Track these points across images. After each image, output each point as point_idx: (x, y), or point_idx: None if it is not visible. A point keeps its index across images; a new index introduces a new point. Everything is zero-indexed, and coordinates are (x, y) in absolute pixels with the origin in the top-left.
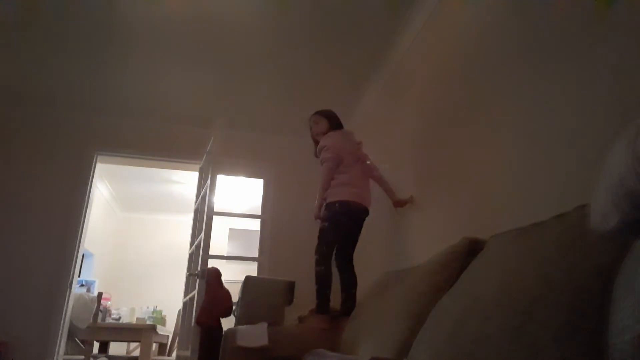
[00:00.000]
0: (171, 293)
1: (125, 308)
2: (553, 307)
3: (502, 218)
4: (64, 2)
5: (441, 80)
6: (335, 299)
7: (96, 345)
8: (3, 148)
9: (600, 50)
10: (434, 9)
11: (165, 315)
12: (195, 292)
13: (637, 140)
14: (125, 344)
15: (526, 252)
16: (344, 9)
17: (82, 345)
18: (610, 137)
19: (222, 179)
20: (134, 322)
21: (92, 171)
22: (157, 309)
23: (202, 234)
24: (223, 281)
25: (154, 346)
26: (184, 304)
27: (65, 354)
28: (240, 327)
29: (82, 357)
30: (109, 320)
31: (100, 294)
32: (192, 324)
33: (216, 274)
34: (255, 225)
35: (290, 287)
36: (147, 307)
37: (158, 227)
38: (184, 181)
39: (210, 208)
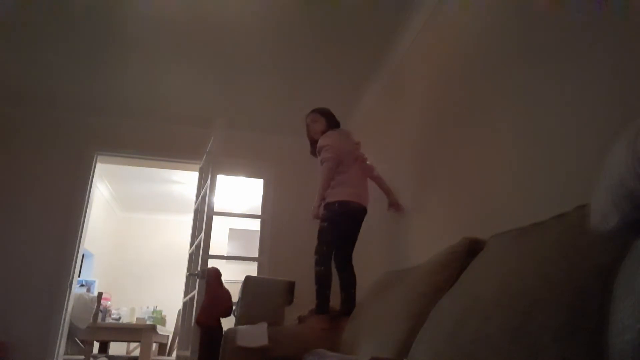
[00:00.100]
0: (171, 293)
1: (125, 308)
2: (553, 307)
3: (502, 218)
4: (64, 2)
5: (441, 80)
6: (335, 299)
7: (96, 345)
8: (3, 148)
9: (600, 50)
10: (434, 9)
11: (165, 315)
12: (195, 292)
13: (637, 140)
14: (125, 344)
15: (526, 252)
16: (344, 9)
17: (82, 345)
18: (610, 137)
19: (222, 179)
20: (134, 322)
21: (92, 171)
22: (157, 309)
23: (202, 234)
24: (223, 281)
25: (154, 346)
26: (184, 304)
27: (65, 354)
28: (240, 327)
29: (82, 357)
30: (109, 320)
31: (100, 294)
32: (192, 324)
33: (216, 274)
34: (255, 225)
35: (290, 287)
36: (147, 307)
37: (158, 227)
38: (184, 181)
39: (210, 208)
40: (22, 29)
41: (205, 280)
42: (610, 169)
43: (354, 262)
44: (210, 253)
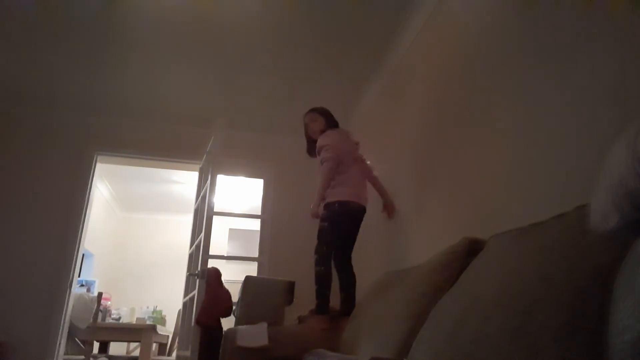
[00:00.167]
0: (171, 293)
1: (125, 308)
2: (553, 307)
3: (502, 218)
4: (64, 2)
5: (441, 81)
6: (334, 299)
7: (96, 345)
8: (3, 148)
9: (600, 50)
10: (433, 9)
11: (165, 315)
12: (195, 292)
13: (637, 140)
14: (125, 344)
15: (526, 252)
16: (344, 9)
17: (82, 345)
18: (610, 137)
19: (222, 179)
20: (134, 322)
21: (92, 171)
22: (157, 309)
23: (202, 234)
24: (223, 281)
25: (154, 346)
26: (184, 304)
27: (65, 354)
28: (240, 327)
29: (82, 357)
30: (109, 320)
31: (100, 294)
32: (192, 324)
33: (216, 274)
34: (255, 225)
35: (290, 287)
36: (147, 307)
37: (158, 227)
38: (184, 181)
39: (210, 208)
40: (22, 29)
41: (205, 280)
42: (610, 169)
43: (353, 262)
44: (210, 253)
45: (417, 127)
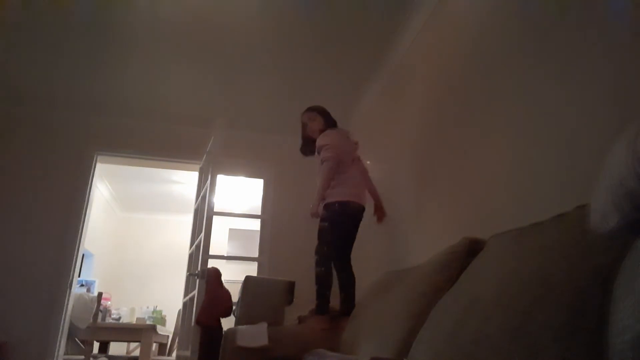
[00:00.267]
0: (171, 293)
1: (125, 308)
2: (553, 307)
3: (502, 218)
4: (64, 2)
5: (441, 81)
6: (334, 299)
7: (96, 345)
8: (3, 148)
9: (600, 50)
10: (434, 9)
11: (165, 315)
12: (195, 292)
13: (637, 141)
14: (125, 344)
15: (526, 252)
16: (344, 9)
17: (82, 345)
18: (610, 137)
19: (222, 179)
20: (134, 322)
21: (92, 171)
22: (157, 309)
23: (202, 234)
24: (223, 281)
25: (154, 346)
26: (184, 304)
27: (65, 354)
28: (240, 327)
29: (82, 357)
30: (109, 320)
31: (100, 294)
32: (192, 324)
33: (216, 274)
34: (255, 225)
35: (290, 287)
36: (147, 307)
37: (158, 227)
38: (184, 181)
39: (210, 208)
40: (23, 29)
41: (205, 280)
42: (610, 169)
43: (353, 262)
44: (210, 253)
45: (417, 127)
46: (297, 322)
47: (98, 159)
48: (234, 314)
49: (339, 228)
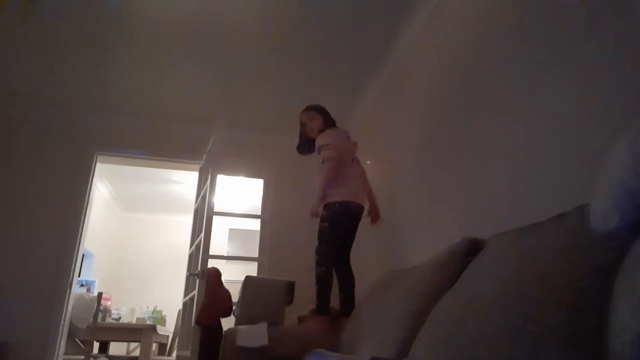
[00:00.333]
0: (171, 293)
1: (125, 308)
2: (553, 307)
3: (502, 218)
4: (64, 2)
5: (441, 80)
6: (334, 299)
7: (96, 345)
8: (3, 148)
9: (601, 50)
10: (434, 9)
11: (165, 315)
12: (195, 292)
13: (637, 141)
14: (125, 344)
15: (526, 252)
16: (344, 9)
17: (82, 345)
18: (610, 137)
19: (222, 179)
20: (134, 322)
21: (92, 171)
22: (157, 309)
23: (202, 234)
24: (223, 281)
25: (154, 346)
26: (184, 304)
27: (65, 354)
28: (240, 327)
29: (82, 357)
30: (109, 320)
31: (100, 294)
32: (192, 324)
33: (216, 274)
34: (255, 225)
35: (290, 287)
36: (147, 307)
37: (158, 227)
38: (184, 181)
39: (210, 208)
40: (22, 29)
41: (205, 280)
42: (610, 169)
43: (353, 262)
44: (210, 253)
45: (417, 127)
46: (297, 322)
47: (98, 159)
48: (234, 314)
49: (339, 228)
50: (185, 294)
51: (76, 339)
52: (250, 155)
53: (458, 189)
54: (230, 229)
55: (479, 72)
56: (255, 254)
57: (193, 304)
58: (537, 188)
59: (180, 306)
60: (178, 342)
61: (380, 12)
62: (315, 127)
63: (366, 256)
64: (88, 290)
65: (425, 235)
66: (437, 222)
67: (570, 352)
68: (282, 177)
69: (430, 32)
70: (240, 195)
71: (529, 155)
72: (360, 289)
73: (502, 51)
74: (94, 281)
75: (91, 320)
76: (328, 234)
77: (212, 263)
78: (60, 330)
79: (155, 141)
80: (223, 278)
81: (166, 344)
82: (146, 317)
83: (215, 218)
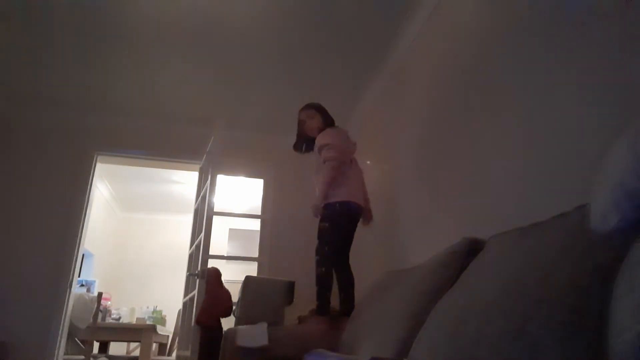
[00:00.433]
0: (171, 293)
1: (125, 308)
2: (553, 307)
3: (502, 218)
4: (64, 2)
5: (441, 80)
6: (334, 299)
7: (96, 345)
8: (3, 148)
9: (601, 50)
10: (434, 8)
11: (165, 315)
12: (195, 292)
13: (637, 141)
14: (125, 344)
15: (526, 252)
16: (344, 9)
17: (82, 345)
18: (610, 137)
19: (222, 179)
20: (134, 322)
21: (92, 171)
22: (157, 309)
23: (202, 234)
24: (223, 281)
25: (154, 346)
26: (184, 304)
27: (65, 354)
28: (240, 327)
29: (82, 357)
30: (109, 320)
31: (100, 294)
32: (192, 324)
33: (216, 274)
34: (255, 225)
35: (290, 287)
36: (147, 307)
37: (158, 227)
38: (184, 181)
39: (210, 208)
40: (22, 29)
41: (205, 280)
42: (610, 169)
43: (353, 262)
44: (210, 253)
45: (417, 127)
46: (297, 322)
47: (98, 159)
48: (234, 314)
49: (339, 228)
50: (185, 294)
51: (76, 339)
52: (250, 155)
53: (458, 189)
54: (230, 229)
55: (479, 72)
56: (255, 254)
57: (193, 304)
58: (537, 188)
59: (180, 306)
60: (178, 342)
61: (380, 12)
62: (315, 125)
63: (366, 256)
64: (88, 290)
65: (425, 235)
66: (437, 222)
67: (570, 352)
68: (282, 177)
69: (430, 32)
70: (240, 195)
71: (529, 155)
72: (360, 289)
73: (501, 51)
74: (94, 281)
75: (91, 320)
76: (328, 234)
77: (212, 263)
78: (60, 330)
79: (155, 141)
80: (223, 278)
81: (166, 344)
82: (146, 317)
83: (215, 218)
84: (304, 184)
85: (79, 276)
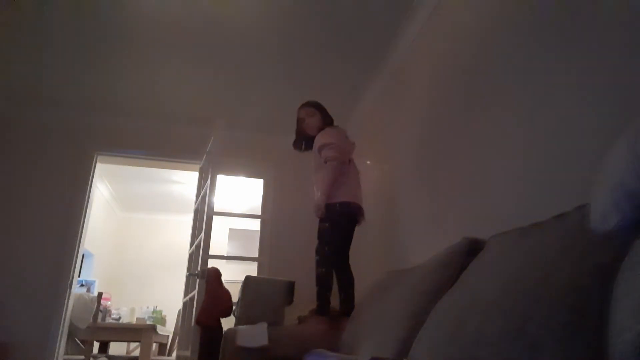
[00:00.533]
0: (171, 293)
1: (125, 308)
2: (553, 307)
3: (502, 218)
4: (64, 2)
5: (441, 80)
6: (334, 299)
7: (96, 345)
8: (3, 148)
9: (601, 50)
10: (434, 8)
11: (165, 315)
12: (195, 292)
13: (637, 141)
14: (125, 344)
15: (526, 252)
16: (344, 9)
17: (82, 345)
18: (610, 137)
19: (222, 179)
20: (134, 322)
21: (92, 171)
22: (157, 309)
23: (202, 234)
24: (223, 281)
25: (154, 346)
26: (184, 304)
27: (65, 354)
28: (240, 327)
29: (82, 357)
30: (109, 320)
31: (100, 294)
32: (192, 324)
33: (216, 274)
34: (255, 225)
35: (290, 287)
36: (147, 307)
37: (158, 227)
38: (184, 181)
39: (210, 208)
40: (22, 29)
41: (205, 280)
42: (610, 169)
43: (353, 262)
44: (210, 253)
45: (417, 128)
46: (297, 322)
47: (98, 159)
48: (234, 314)
49: (339, 228)
50: (185, 294)
51: (76, 339)
52: (250, 155)
53: (458, 189)
54: (230, 229)
55: (479, 72)
56: (255, 254)
57: (193, 304)
58: (537, 188)
59: (180, 306)
60: (178, 342)
61: (380, 12)
62: (314, 124)
63: (366, 256)
64: (88, 290)
65: (425, 235)
66: (437, 222)
67: (570, 352)
68: (282, 177)
69: (430, 32)
70: (240, 195)
71: (529, 155)
72: (360, 289)
73: (502, 51)
74: (94, 281)
75: (91, 320)
76: (328, 234)
77: (212, 263)
78: (60, 330)
79: (155, 141)
80: (223, 278)
81: (166, 344)
82: (146, 317)
83: (215, 218)
84: (304, 184)
85: (79, 276)
